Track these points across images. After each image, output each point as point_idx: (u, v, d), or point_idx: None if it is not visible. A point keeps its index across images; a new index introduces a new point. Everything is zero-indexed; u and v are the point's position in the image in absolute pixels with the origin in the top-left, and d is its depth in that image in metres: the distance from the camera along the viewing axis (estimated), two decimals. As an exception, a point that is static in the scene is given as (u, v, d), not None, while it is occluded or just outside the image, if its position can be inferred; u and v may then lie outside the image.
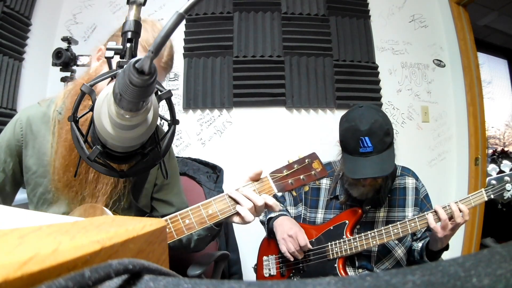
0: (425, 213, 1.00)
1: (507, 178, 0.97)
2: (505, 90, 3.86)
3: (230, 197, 0.79)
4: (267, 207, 0.79)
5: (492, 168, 1.00)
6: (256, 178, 0.81)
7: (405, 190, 1.15)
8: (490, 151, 3.49)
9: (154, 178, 0.92)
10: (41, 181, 0.81)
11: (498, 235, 2.60)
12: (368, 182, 1.05)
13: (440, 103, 2.14)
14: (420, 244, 1.11)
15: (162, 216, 0.92)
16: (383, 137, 0.99)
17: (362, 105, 1.05)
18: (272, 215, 1.20)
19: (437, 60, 2.17)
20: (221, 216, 0.78)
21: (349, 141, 1.02)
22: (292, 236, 1.09)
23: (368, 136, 0.98)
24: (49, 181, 0.80)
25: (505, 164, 0.99)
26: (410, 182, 1.16)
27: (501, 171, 0.99)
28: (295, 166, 0.84)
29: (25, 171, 0.82)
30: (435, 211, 0.98)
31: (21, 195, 0.90)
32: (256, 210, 0.78)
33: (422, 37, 2.18)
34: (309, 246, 1.10)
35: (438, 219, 0.97)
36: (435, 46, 2.19)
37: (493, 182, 0.98)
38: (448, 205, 0.97)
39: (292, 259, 1.11)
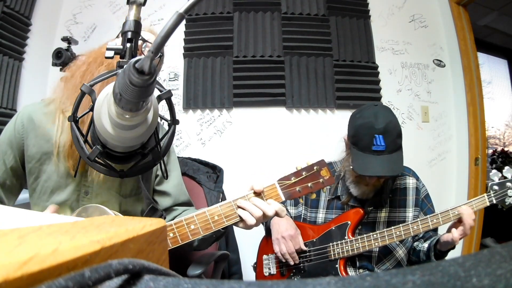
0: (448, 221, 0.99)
1: (509, 184, 0.98)
2: (505, 90, 3.86)
3: (238, 206, 0.77)
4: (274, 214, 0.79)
5: (494, 173, 1.01)
6: (258, 192, 0.80)
7: (405, 191, 1.15)
8: (490, 151, 3.49)
9: (156, 169, 0.93)
10: (44, 168, 0.82)
11: (498, 235, 2.60)
12: (373, 181, 1.05)
13: (440, 103, 2.14)
14: (426, 245, 1.10)
15: (163, 210, 0.93)
16: (396, 138, 1.00)
17: (377, 103, 1.06)
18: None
19: (437, 60, 2.17)
20: (227, 222, 0.77)
21: (362, 137, 1.01)
22: (285, 238, 1.10)
23: (382, 134, 0.98)
24: (53, 167, 0.81)
25: (508, 170, 1.01)
26: (410, 182, 1.16)
27: (503, 177, 1.01)
28: (303, 173, 0.83)
29: (28, 160, 0.83)
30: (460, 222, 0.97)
31: (21, 195, 0.90)
32: (264, 218, 0.77)
33: (422, 37, 2.17)
34: (304, 248, 1.11)
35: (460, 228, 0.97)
36: (435, 46, 2.19)
37: (495, 187, 0.99)
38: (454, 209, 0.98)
39: (284, 260, 1.13)
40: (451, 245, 1.01)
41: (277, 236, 1.12)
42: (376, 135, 0.98)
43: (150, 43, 0.81)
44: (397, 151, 1.01)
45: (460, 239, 0.96)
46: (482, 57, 3.32)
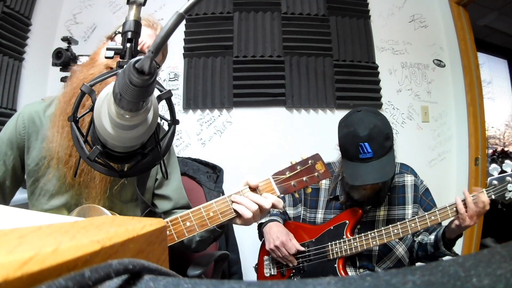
0: (453, 203, 0.96)
1: (508, 179, 0.95)
2: (505, 90, 3.86)
3: (233, 201, 0.77)
4: (271, 206, 0.78)
5: (493, 168, 0.97)
6: (253, 188, 0.79)
7: (404, 188, 1.15)
8: (490, 151, 3.49)
9: (155, 173, 0.92)
10: (44, 171, 0.82)
11: (498, 235, 2.60)
12: (369, 186, 1.05)
13: (440, 103, 2.14)
14: (432, 237, 1.08)
15: (163, 213, 0.92)
16: (383, 141, 0.98)
17: (360, 109, 1.04)
18: (263, 220, 1.21)
19: (437, 60, 2.17)
20: (223, 218, 0.77)
21: (348, 147, 1.01)
22: (278, 246, 1.12)
23: (367, 142, 0.96)
24: (52, 171, 0.81)
25: (507, 164, 0.97)
26: (409, 179, 1.16)
27: (502, 171, 0.97)
28: (298, 167, 0.82)
29: (28, 163, 0.83)
30: (464, 200, 0.94)
31: (21, 195, 0.90)
32: (262, 212, 0.76)
33: (422, 37, 2.17)
34: (301, 249, 1.12)
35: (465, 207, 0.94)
36: (435, 46, 2.19)
37: (495, 182, 0.96)
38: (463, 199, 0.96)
39: (284, 263, 1.14)
40: (460, 231, 0.98)
41: (270, 246, 1.14)
42: (361, 144, 0.97)
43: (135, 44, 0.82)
44: (387, 154, 0.99)
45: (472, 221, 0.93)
46: (482, 57, 3.32)
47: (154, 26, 0.89)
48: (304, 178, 0.82)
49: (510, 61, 3.87)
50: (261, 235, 1.23)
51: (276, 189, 0.80)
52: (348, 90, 2.00)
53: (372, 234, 1.04)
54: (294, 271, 1.16)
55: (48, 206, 0.82)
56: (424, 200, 1.14)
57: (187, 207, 0.96)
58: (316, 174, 0.83)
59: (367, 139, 0.97)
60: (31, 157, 0.82)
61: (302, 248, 1.13)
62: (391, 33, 2.14)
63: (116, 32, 0.81)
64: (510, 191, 0.94)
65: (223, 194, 1.28)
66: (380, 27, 2.13)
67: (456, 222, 0.96)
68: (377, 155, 0.97)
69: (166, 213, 0.93)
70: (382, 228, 1.03)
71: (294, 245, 1.12)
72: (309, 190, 0.85)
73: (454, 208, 0.96)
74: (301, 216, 1.23)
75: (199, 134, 1.96)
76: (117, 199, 0.85)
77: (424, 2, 2.22)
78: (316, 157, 0.84)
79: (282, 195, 0.81)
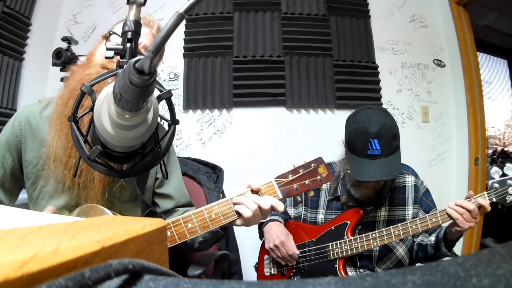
0: (445, 210, 0.96)
1: (510, 182, 0.95)
2: (505, 90, 3.86)
3: (234, 203, 0.77)
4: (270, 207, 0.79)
5: (495, 171, 0.97)
6: (256, 191, 0.79)
7: (405, 189, 1.15)
8: (490, 151, 3.49)
9: (155, 172, 0.92)
10: (41, 173, 0.81)
11: (498, 235, 2.60)
12: (372, 184, 1.05)
13: (440, 103, 2.14)
14: (432, 238, 1.08)
15: (164, 212, 0.92)
16: (391, 140, 0.99)
17: (371, 106, 1.05)
18: (263, 220, 1.21)
19: (437, 60, 2.17)
20: (224, 220, 0.77)
21: (357, 142, 1.01)
22: (278, 245, 1.12)
23: (377, 138, 0.97)
24: (51, 173, 0.80)
25: (508, 167, 0.97)
26: (409, 180, 1.16)
27: (504, 174, 0.97)
28: (301, 170, 0.82)
29: (25, 165, 0.83)
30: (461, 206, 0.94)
31: (21, 195, 0.90)
32: (262, 213, 0.77)
33: (422, 37, 2.17)
34: (297, 252, 1.12)
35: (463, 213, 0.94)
36: (435, 46, 2.19)
37: (496, 185, 0.96)
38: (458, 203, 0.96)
39: (283, 263, 1.14)
40: (461, 232, 0.98)
41: (270, 245, 1.14)
42: (370, 140, 0.97)
43: (117, 34, 0.79)
44: (394, 153, 1.00)
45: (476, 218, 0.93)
46: (482, 57, 3.32)
47: (151, 24, 0.88)
48: (307, 182, 0.82)
49: (510, 61, 3.87)
50: (261, 235, 1.24)
51: (278, 192, 0.80)
52: (348, 90, 2.00)
53: (373, 234, 1.04)
54: (294, 270, 1.16)
55: None
56: (424, 200, 1.14)
57: (189, 205, 0.97)
58: (318, 177, 0.83)
59: (376, 136, 0.97)
60: (28, 159, 0.82)
61: (298, 252, 1.13)
62: (391, 33, 2.14)
63: (111, 32, 0.81)
64: (511, 194, 0.94)
65: (223, 194, 1.28)
66: (380, 27, 2.13)
67: (457, 227, 0.96)
68: (384, 153, 0.98)
69: (168, 212, 0.93)
70: (383, 229, 1.03)
71: (291, 246, 1.13)
72: (311, 193, 0.85)
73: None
74: (302, 216, 1.23)
75: (199, 134, 1.96)
76: (116, 199, 0.85)
77: (424, 2, 2.22)
78: (319, 161, 0.84)
79: (284, 198, 0.81)
